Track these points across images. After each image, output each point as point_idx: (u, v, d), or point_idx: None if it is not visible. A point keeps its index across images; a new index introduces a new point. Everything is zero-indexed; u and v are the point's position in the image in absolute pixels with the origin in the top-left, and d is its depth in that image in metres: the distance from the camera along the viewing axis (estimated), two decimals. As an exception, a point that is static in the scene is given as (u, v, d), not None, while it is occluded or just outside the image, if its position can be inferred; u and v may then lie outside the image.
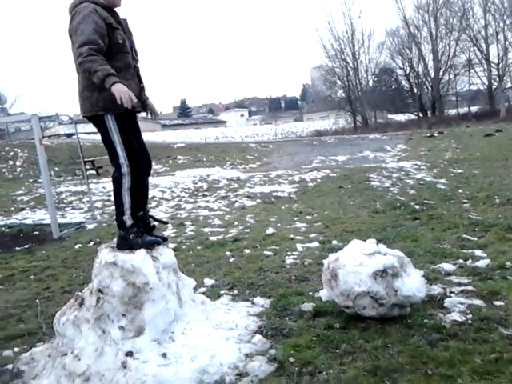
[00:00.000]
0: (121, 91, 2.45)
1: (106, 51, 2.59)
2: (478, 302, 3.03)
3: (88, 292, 2.67)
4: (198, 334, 2.66)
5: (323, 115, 49.54)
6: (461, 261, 3.85)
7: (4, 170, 16.72)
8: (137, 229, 2.74)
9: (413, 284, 2.83)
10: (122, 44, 2.68)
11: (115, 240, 2.80)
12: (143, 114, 3.09)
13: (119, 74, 2.62)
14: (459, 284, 3.36)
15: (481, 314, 2.86)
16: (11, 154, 18.33)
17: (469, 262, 3.80)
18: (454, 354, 2.41)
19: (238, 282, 3.87)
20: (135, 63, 2.80)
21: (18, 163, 17.39)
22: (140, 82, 2.82)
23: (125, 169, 2.70)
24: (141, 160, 2.82)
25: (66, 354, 2.49)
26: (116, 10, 2.78)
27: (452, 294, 3.19)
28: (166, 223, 3.13)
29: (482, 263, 3.71)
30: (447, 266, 3.70)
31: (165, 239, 2.92)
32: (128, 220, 2.73)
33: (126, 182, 2.70)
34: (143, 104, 2.84)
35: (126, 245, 2.70)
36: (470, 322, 2.78)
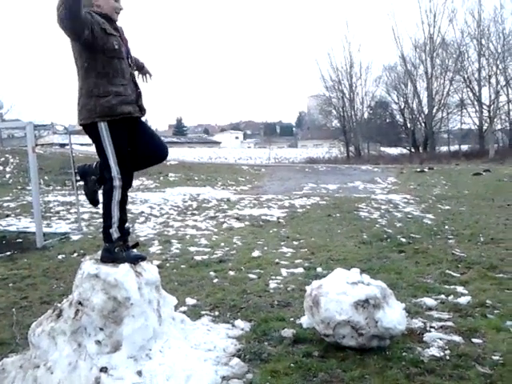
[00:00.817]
0: None
1: (101, 56, 2.60)
2: (456, 338, 3.05)
3: (67, 303, 2.63)
4: (175, 353, 2.63)
5: (317, 143, 50.08)
6: (443, 296, 3.87)
7: (-7, 175, 16.59)
8: (122, 242, 2.73)
9: (394, 316, 2.84)
10: (118, 49, 2.68)
11: (99, 252, 2.79)
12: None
13: (115, 79, 2.64)
14: (439, 319, 3.37)
15: (459, 350, 2.87)
16: (2, 159, 18.21)
17: (450, 297, 3.83)
18: (431, 389, 2.41)
19: (220, 303, 3.85)
20: (131, 70, 2.81)
21: (7, 169, 17.26)
22: (136, 87, 2.83)
23: (116, 182, 2.70)
24: (149, 157, 2.88)
25: (38, 367, 2.44)
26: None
27: (432, 329, 3.20)
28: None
29: (463, 300, 3.73)
30: (429, 301, 3.71)
31: (144, 258, 2.86)
32: (115, 233, 2.72)
33: (117, 195, 2.70)
34: (141, 109, 2.84)
35: (110, 258, 2.69)
36: (447, 357, 2.78)
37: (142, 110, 2.85)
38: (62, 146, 28.61)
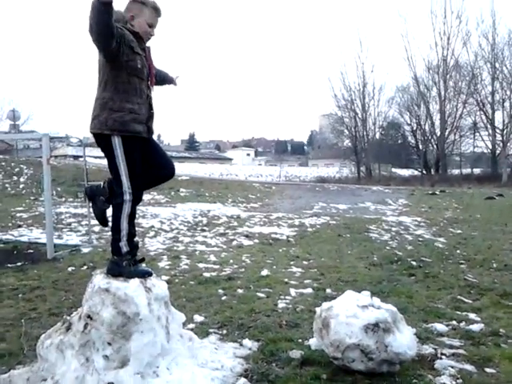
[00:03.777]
0: None
1: (123, 72, 2.65)
2: (469, 367, 2.97)
3: (77, 317, 2.64)
4: (182, 370, 2.61)
5: (328, 162, 50.08)
6: (454, 322, 3.79)
7: (7, 185, 16.79)
8: (131, 257, 2.74)
9: (404, 341, 2.80)
10: (141, 69, 2.73)
11: (110, 265, 2.79)
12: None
13: (132, 97, 2.69)
14: (451, 346, 3.30)
15: (471, 380, 2.80)
16: (16, 170, 18.44)
17: (462, 324, 3.76)
18: (442, 419, 2.36)
19: (228, 321, 3.82)
20: (149, 92, 2.85)
21: (21, 179, 17.46)
22: (150, 109, 2.86)
23: (127, 196, 2.72)
24: (157, 175, 2.90)
25: (45, 380, 2.43)
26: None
27: (443, 356, 3.13)
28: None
29: (475, 327, 3.66)
30: (440, 327, 3.64)
31: (151, 274, 2.86)
32: (124, 247, 2.73)
33: (127, 209, 2.72)
34: (149, 130, 2.87)
35: (117, 271, 2.69)
36: (459, 387, 2.72)
37: (150, 132, 2.89)
38: (76, 157, 28.99)
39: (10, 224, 9.30)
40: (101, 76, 2.71)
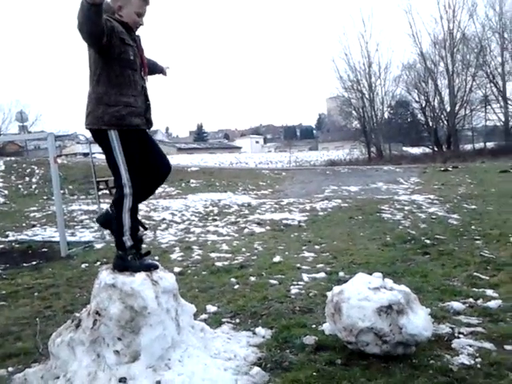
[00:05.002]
0: None
1: (115, 65, 2.59)
2: (488, 345, 2.91)
3: (86, 313, 2.63)
4: (194, 362, 2.59)
5: (338, 145, 49.63)
6: (471, 300, 3.72)
7: (20, 186, 16.97)
8: (135, 250, 2.72)
9: (419, 322, 2.74)
10: (133, 60, 2.67)
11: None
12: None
13: (127, 90, 2.63)
14: (468, 325, 3.23)
15: (491, 358, 2.73)
16: (28, 170, 18.63)
17: (479, 301, 3.68)
18: (461, 399, 2.30)
19: (241, 310, 3.80)
20: (143, 82, 2.79)
21: (33, 180, 17.64)
22: (147, 100, 2.80)
23: (127, 190, 2.66)
24: (152, 177, 2.83)
25: (58, 377, 2.43)
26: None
27: (461, 335, 3.07)
28: (145, 228, 3.05)
29: (493, 304, 3.58)
30: (456, 305, 3.57)
31: (157, 267, 2.81)
32: (128, 241, 2.70)
33: (127, 203, 2.67)
34: (148, 122, 2.82)
35: (122, 265, 2.67)
36: (479, 366, 2.65)
37: (149, 124, 2.84)
38: (85, 155, 29.14)
39: (24, 224, 9.40)
40: (93, 70, 2.64)
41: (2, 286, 5.00)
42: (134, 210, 2.72)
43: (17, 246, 7.39)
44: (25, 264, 6.07)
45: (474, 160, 25.57)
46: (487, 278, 4.32)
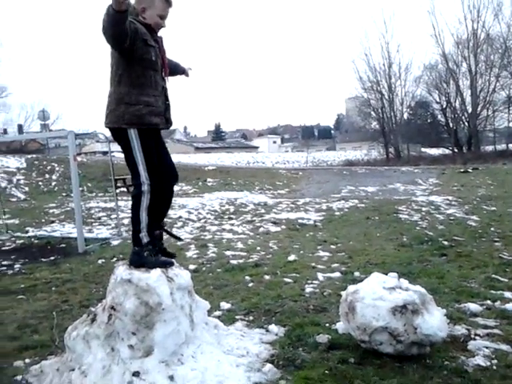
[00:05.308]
0: None
1: (137, 66, 2.64)
2: (504, 347, 2.86)
3: (101, 308, 2.67)
4: (207, 358, 2.60)
5: (356, 146, 49.28)
6: (488, 302, 3.66)
7: (40, 183, 17.32)
8: (152, 247, 2.74)
9: (434, 322, 2.70)
10: (155, 61, 2.72)
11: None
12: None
13: (148, 90, 2.68)
14: (485, 326, 3.18)
15: (507, 360, 2.69)
16: (48, 167, 18.98)
17: (497, 303, 3.61)
18: (475, 401, 2.27)
19: (255, 307, 3.80)
20: (164, 83, 2.84)
21: (53, 177, 17.97)
22: (166, 100, 2.85)
23: (145, 187, 2.71)
24: (164, 178, 2.85)
25: (73, 370, 2.48)
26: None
27: (477, 337, 3.02)
28: (179, 239, 3.11)
29: (511, 306, 3.51)
30: (473, 307, 3.52)
31: (172, 264, 2.82)
32: (145, 237, 2.73)
33: (145, 201, 2.71)
34: (167, 121, 2.87)
35: (139, 261, 2.70)
36: (494, 367, 2.61)
37: (169, 123, 2.88)
38: (105, 153, 29.52)
39: (43, 220, 9.59)
40: (114, 70, 2.69)
41: (20, 280, 5.11)
42: (151, 208, 2.74)
43: (36, 241, 7.53)
44: (43, 259, 6.19)
45: (496, 162, 25.04)
46: (506, 280, 4.25)
